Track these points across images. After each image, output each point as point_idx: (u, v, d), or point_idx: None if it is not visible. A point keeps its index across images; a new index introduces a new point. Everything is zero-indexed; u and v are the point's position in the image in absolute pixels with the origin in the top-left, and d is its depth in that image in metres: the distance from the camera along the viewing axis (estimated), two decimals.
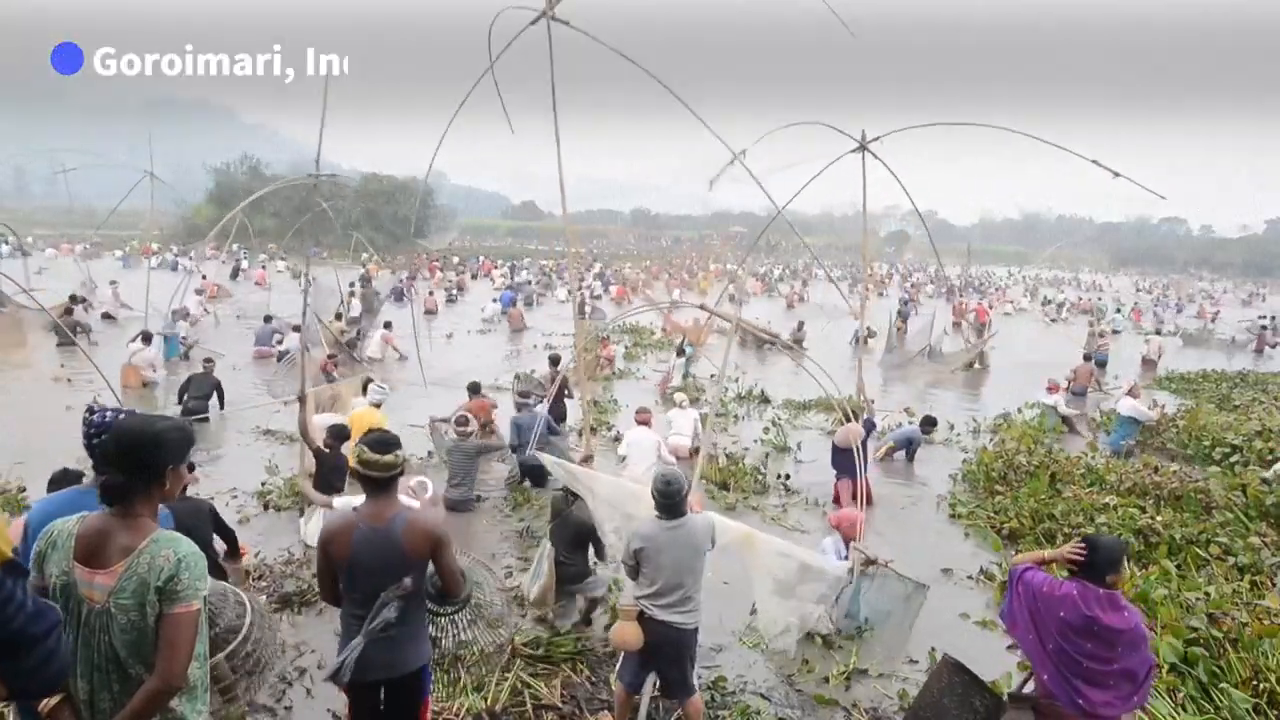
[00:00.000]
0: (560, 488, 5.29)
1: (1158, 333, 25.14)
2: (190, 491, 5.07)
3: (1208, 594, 5.39)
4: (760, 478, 8.55)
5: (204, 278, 23.18)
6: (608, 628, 5.00)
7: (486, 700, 4.19)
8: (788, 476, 8.72)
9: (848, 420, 7.26)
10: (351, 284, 22.57)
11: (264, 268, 31.61)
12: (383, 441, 2.79)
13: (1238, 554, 6.36)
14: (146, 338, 12.03)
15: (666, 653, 3.74)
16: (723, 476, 8.49)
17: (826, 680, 4.68)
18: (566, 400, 9.82)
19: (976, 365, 17.19)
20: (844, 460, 7.81)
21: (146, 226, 26.21)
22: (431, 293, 25.06)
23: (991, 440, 10.75)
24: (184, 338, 14.05)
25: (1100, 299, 41.36)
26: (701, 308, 8.12)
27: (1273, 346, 23.20)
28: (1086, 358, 15.35)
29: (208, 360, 11.11)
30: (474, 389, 9.21)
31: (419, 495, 6.91)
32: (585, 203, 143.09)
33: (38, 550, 2.11)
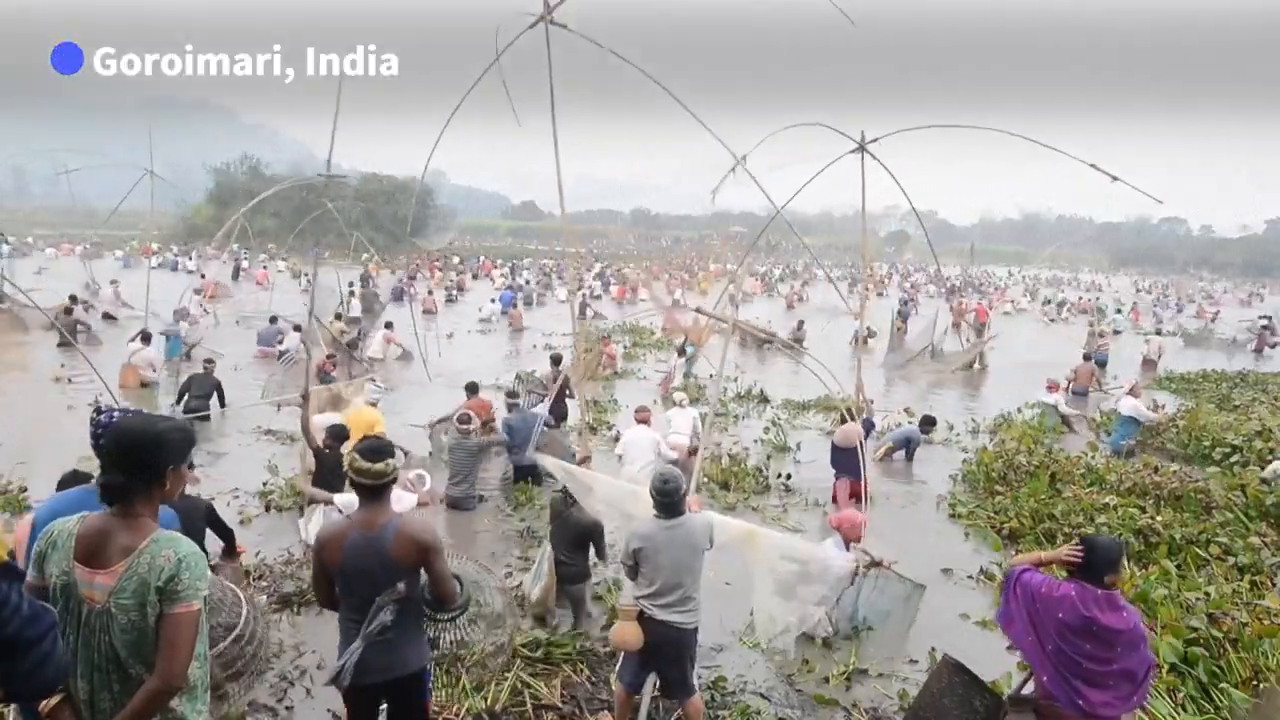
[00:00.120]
0: (559, 489, 5.29)
1: (1157, 333, 25.15)
2: (191, 491, 5.07)
3: (1208, 594, 5.39)
4: (762, 478, 8.56)
5: (203, 277, 23.20)
6: (606, 627, 5.00)
7: (486, 700, 4.19)
8: (788, 476, 8.73)
9: (846, 420, 7.27)
10: (351, 284, 22.60)
11: (265, 268, 31.64)
12: (375, 449, 2.81)
13: (1238, 554, 6.36)
14: (146, 337, 12.04)
15: (666, 653, 3.74)
16: (724, 476, 8.51)
17: (826, 680, 4.68)
18: (567, 400, 9.83)
19: (976, 365, 17.20)
20: (843, 459, 7.81)
21: (147, 226, 26.20)
22: (430, 292, 25.09)
23: (991, 440, 10.76)
24: (185, 338, 14.05)
25: (1099, 299, 41.35)
26: (698, 311, 8.12)
27: (1272, 347, 23.20)
28: (1086, 357, 15.35)
29: (208, 360, 11.13)
30: (472, 389, 9.23)
31: (416, 488, 6.95)
32: (585, 203, 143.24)
33: (38, 550, 2.11)
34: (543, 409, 8.91)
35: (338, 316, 16.57)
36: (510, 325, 21.60)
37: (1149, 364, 19.01)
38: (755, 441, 10.20)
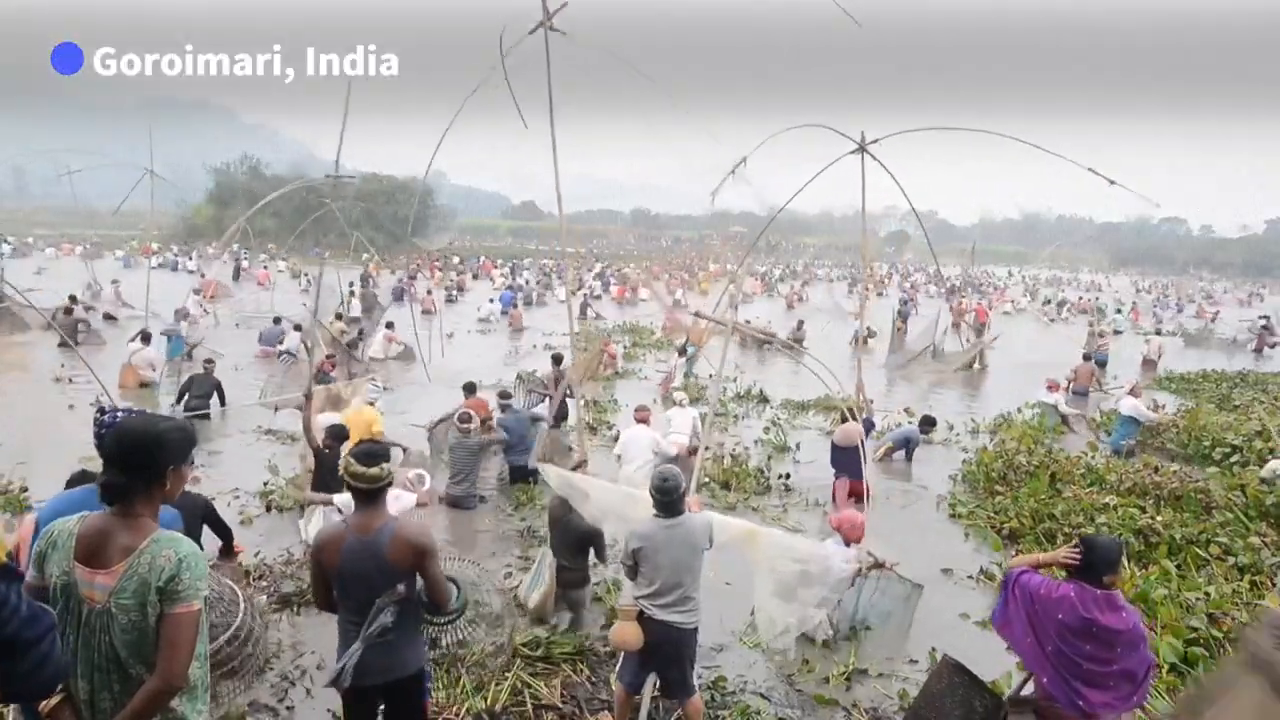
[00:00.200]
0: (558, 497, 5.26)
1: (1157, 333, 25.15)
2: (190, 489, 5.07)
3: (1208, 594, 5.40)
4: (763, 478, 8.56)
5: (202, 276, 23.20)
6: (606, 627, 5.00)
7: (486, 700, 4.19)
8: (787, 476, 8.73)
9: (846, 419, 7.26)
10: (351, 284, 22.60)
11: (265, 268, 31.65)
12: (370, 454, 2.82)
13: (1238, 554, 6.36)
14: (146, 337, 12.04)
15: (666, 652, 3.73)
16: (726, 476, 8.51)
17: (826, 680, 4.68)
18: (568, 399, 9.82)
19: (976, 365, 17.19)
20: (843, 459, 7.81)
21: (147, 226, 26.22)
22: (429, 292, 25.10)
23: (991, 440, 10.76)
24: (186, 337, 14.06)
25: (1099, 299, 41.34)
26: (697, 314, 8.11)
27: (1271, 346, 23.20)
28: (1086, 357, 15.35)
29: (207, 360, 11.13)
30: (470, 388, 9.24)
31: (416, 488, 6.95)
32: (585, 203, 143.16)
33: (38, 550, 2.12)
34: (544, 409, 8.92)
35: (338, 316, 16.58)
36: (510, 325, 21.61)
37: (1149, 364, 19.01)
38: (755, 442, 10.20)
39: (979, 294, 37.20)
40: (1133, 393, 10.83)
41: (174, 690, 2.07)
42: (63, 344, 13.23)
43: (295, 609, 5.21)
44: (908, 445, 9.73)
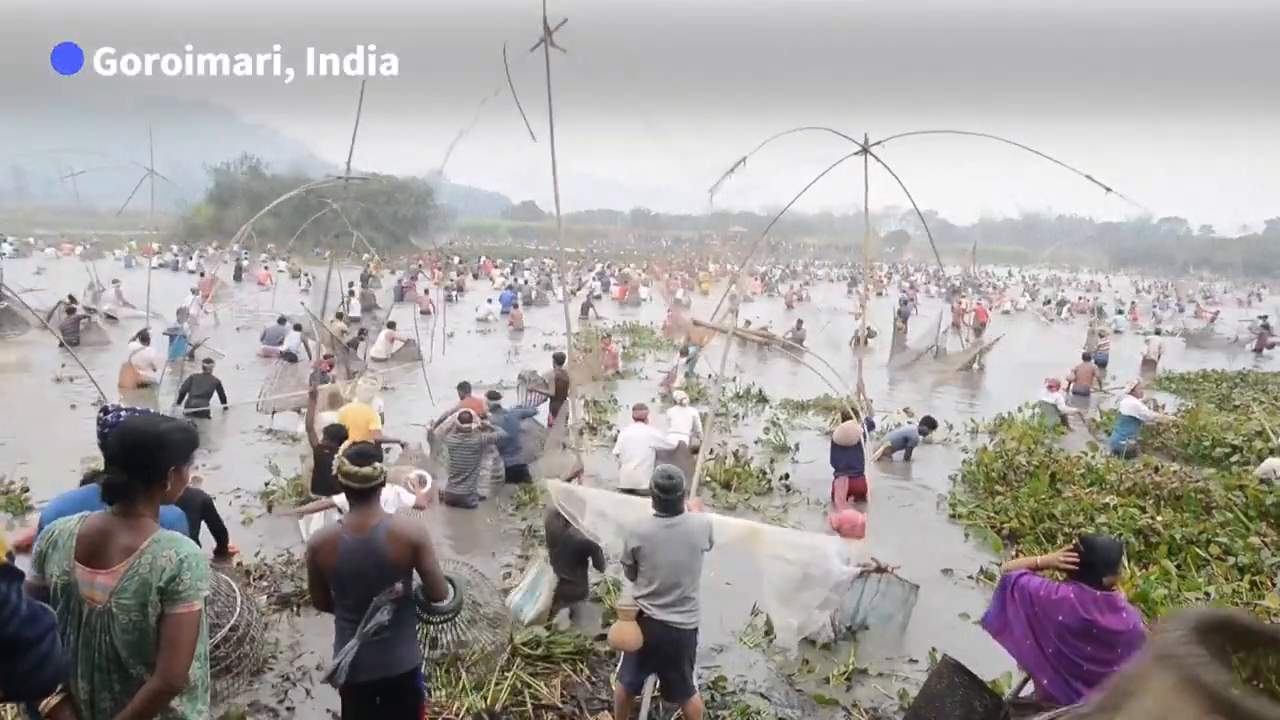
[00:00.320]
0: (556, 514, 5.23)
1: (1157, 333, 25.13)
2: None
3: (1208, 594, 5.40)
4: (765, 479, 8.56)
5: (201, 276, 23.18)
6: (606, 627, 5.00)
7: (486, 700, 4.19)
8: (787, 476, 8.73)
9: (846, 419, 7.27)
10: (351, 284, 22.59)
11: (266, 268, 31.65)
12: (362, 454, 2.84)
13: (1238, 554, 6.36)
14: (145, 337, 12.04)
15: (665, 653, 3.73)
16: (727, 476, 8.51)
17: (827, 680, 4.68)
18: (569, 399, 9.82)
19: (975, 365, 17.19)
20: (843, 458, 7.81)
21: (147, 226, 26.20)
22: (427, 291, 25.10)
23: (991, 440, 10.75)
24: (188, 337, 14.06)
25: (1099, 299, 41.31)
26: (695, 323, 8.14)
27: (1271, 347, 23.19)
28: (1086, 357, 15.35)
29: (207, 360, 11.13)
30: (464, 388, 9.23)
31: (417, 489, 6.94)
32: (585, 203, 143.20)
33: (38, 549, 2.12)
34: (545, 409, 8.91)
35: (338, 316, 16.58)
36: (511, 325, 21.60)
37: (1149, 364, 19.00)
38: (755, 442, 10.20)
39: (979, 294, 37.21)
40: (1134, 392, 10.82)
41: (174, 690, 2.07)
42: (63, 344, 13.28)
43: (295, 609, 5.20)
44: (906, 445, 9.73)
